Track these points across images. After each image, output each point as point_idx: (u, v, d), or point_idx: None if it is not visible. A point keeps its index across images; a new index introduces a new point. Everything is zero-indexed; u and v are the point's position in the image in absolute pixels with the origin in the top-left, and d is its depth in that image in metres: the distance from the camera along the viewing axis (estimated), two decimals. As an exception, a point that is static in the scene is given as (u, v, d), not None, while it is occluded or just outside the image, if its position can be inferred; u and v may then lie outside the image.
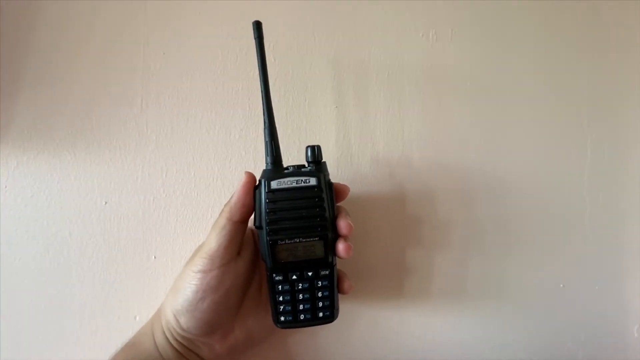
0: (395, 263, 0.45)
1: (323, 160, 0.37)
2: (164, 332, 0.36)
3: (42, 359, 0.42)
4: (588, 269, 0.48)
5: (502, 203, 0.47)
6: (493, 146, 0.46)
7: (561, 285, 0.47)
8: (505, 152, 0.47)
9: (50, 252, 0.42)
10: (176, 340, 0.36)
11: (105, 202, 0.42)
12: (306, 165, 0.36)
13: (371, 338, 0.45)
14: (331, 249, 0.35)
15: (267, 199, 0.34)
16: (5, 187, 0.41)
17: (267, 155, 0.36)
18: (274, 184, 0.34)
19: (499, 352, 0.47)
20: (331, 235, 0.35)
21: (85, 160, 0.42)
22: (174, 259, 0.43)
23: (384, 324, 0.45)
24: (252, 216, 0.36)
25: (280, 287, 0.36)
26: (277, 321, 0.36)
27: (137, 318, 0.42)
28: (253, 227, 0.37)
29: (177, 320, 0.35)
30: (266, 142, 0.36)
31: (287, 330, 0.40)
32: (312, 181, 0.35)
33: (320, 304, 0.36)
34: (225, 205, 0.35)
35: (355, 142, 0.45)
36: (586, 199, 0.48)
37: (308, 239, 0.35)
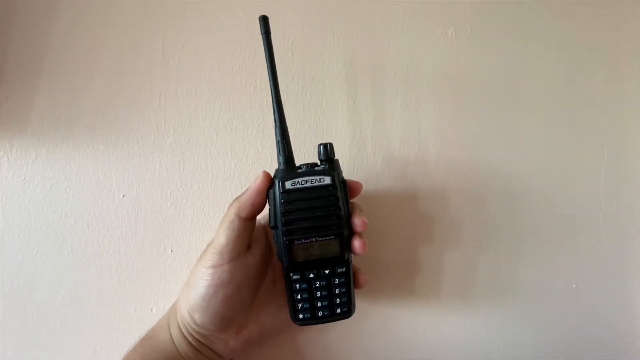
0: (407, 261, 0.46)
1: (336, 157, 0.37)
2: (179, 328, 0.37)
3: (60, 349, 0.42)
4: (600, 270, 0.48)
5: (516, 203, 0.47)
6: (509, 145, 0.46)
7: (573, 286, 0.48)
8: (521, 151, 0.47)
9: (68, 244, 0.42)
10: (191, 335, 0.36)
11: (123, 195, 0.42)
12: (319, 163, 0.36)
13: (381, 336, 0.46)
14: (347, 247, 0.36)
15: (282, 199, 0.34)
16: (24, 178, 0.41)
17: (278, 154, 0.36)
18: (288, 184, 0.34)
19: (508, 352, 0.47)
20: (347, 233, 0.35)
21: (104, 153, 0.42)
22: (190, 252, 0.43)
23: (394, 323, 0.46)
24: (268, 216, 0.36)
25: (297, 285, 0.36)
26: (295, 319, 0.37)
27: (154, 310, 0.43)
28: (265, 223, 0.37)
29: (192, 317, 0.36)
30: (277, 142, 0.36)
31: (298, 327, 0.40)
32: (327, 180, 0.34)
33: (338, 300, 0.36)
34: (234, 200, 0.36)
35: (371, 140, 0.45)
36: (601, 200, 0.48)
37: (324, 238, 0.35)
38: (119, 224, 0.42)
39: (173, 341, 0.37)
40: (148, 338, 0.38)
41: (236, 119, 0.43)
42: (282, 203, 0.34)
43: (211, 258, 0.35)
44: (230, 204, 0.36)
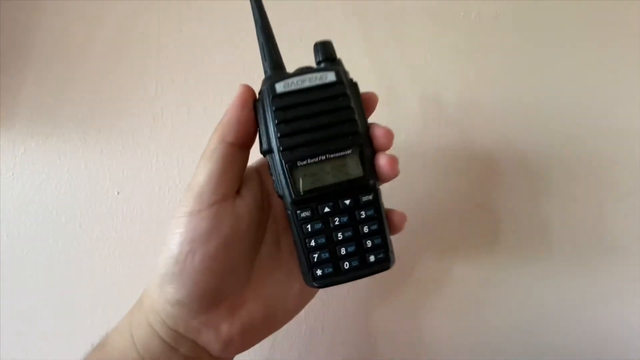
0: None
1: (338, 57, 0.28)
2: (147, 321, 0.28)
3: (51, 351, 0.41)
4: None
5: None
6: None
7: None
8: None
9: (59, 244, 0.41)
10: (166, 325, 0.27)
11: (118, 192, 0.41)
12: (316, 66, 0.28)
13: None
14: (369, 167, 0.27)
15: (274, 106, 0.26)
16: (12, 174, 0.40)
17: (263, 60, 0.28)
18: (280, 87, 0.26)
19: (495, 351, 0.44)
20: (367, 149, 0.27)
21: (96, 146, 0.41)
22: (189, 253, 0.41)
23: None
24: (258, 142, 0.28)
25: (309, 227, 0.27)
26: (312, 278, 0.27)
27: (150, 314, 0.41)
28: (258, 165, 0.30)
29: (164, 294, 0.26)
30: (261, 44, 0.28)
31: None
32: (330, 76, 0.26)
33: (369, 243, 0.27)
34: (217, 125, 0.28)
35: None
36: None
37: (337, 154, 0.26)
38: (114, 223, 0.41)
39: (135, 345, 0.28)
40: (100, 347, 0.29)
41: (238, 109, 0.41)
42: (274, 111, 0.26)
43: (185, 202, 0.26)
44: (212, 133, 0.28)
